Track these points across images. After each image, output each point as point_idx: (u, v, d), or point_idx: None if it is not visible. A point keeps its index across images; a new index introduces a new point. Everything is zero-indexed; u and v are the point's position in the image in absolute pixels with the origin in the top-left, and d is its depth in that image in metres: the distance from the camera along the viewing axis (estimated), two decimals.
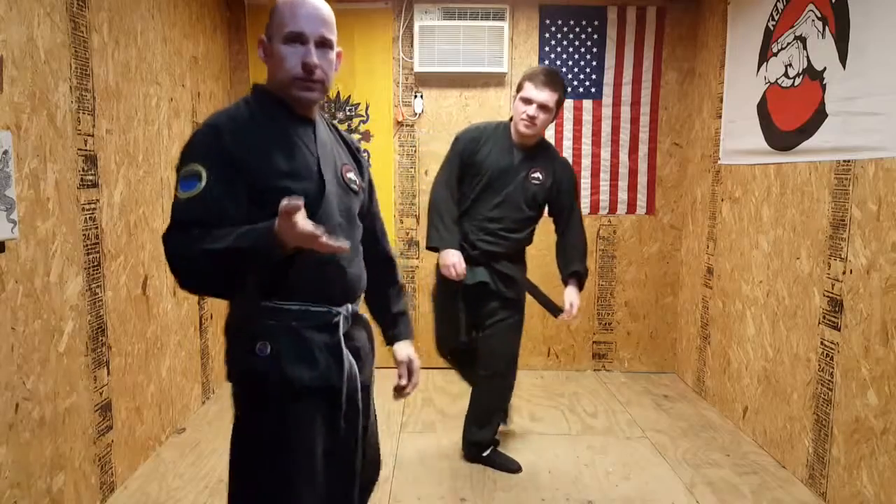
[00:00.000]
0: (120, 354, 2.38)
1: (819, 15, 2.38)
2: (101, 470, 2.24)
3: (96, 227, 2.20)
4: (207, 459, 2.62)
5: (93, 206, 2.18)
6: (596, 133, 3.65)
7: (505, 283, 2.44)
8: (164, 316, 2.76)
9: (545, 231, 2.66)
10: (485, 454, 2.57)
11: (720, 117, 3.22)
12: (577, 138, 3.67)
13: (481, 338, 2.52)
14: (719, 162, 3.23)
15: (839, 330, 2.26)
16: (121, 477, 2.39)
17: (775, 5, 2.69)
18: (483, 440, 2.56)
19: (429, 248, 2.46)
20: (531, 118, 2.30)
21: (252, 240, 1.11)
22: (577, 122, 3.66)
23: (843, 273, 2.24)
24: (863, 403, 2.13)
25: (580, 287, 2.48)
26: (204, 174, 1.17)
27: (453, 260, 2.34)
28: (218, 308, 3.44)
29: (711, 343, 3.32)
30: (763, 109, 2.78)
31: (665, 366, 3.82)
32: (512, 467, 2.54)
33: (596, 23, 3.59)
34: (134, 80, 2.47)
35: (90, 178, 2.16)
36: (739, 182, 3.02)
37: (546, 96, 2.28)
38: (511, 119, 2.43)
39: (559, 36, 3.61)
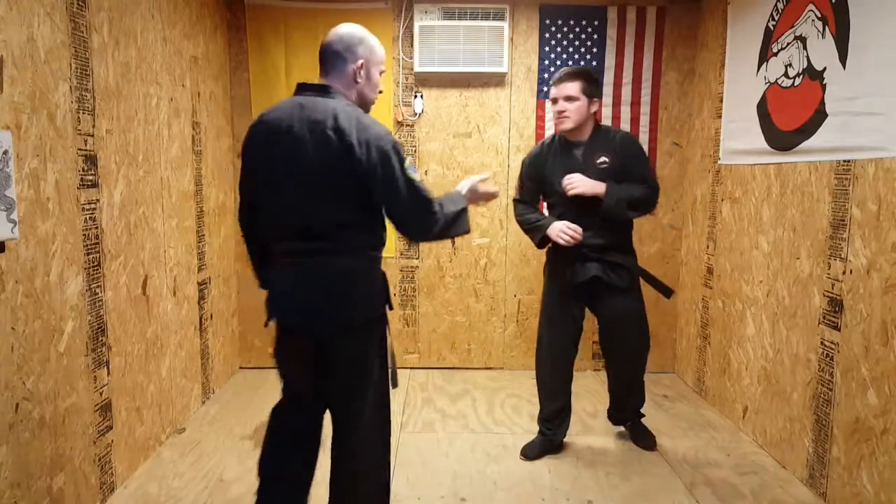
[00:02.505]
0: (120, 354, 2.38)
1: (819, 15, 2.38)
2: (101, 470, 2.24)
3: (96, 227, 2.20)
4: (207, 459, 2.63)
5: (93, 206, 2.18)
6: None
7: (617, 273, 2.51)
8: (164, 316, 2.76)
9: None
10: (627, 424, 2.84)
11: (720, 117, 3.22)
12: None
13: (606, 330, 2.65)
14: (719, 162, 3.23)
15: (839, 330, 2.26)
16: (121, 477, 2.39)
17: (775, 5, 2.69)
18: (622, 416, 2.84)
19: (540, 247, 2.61)
20: (560, 112, 2.45)
21: (463, 202, 1.81)
22: None
23: (843, 273, 2.24)
24: (863, 403, 2.13)
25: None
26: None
27: (560, 226, 2.45)
28: (217, 308, 3.44)
29: (711, 343, 3.32)
30: (763, 109, 2.78)
31: (665, 366, 3.82)
32: (645, 443, 2.75)
33: (596, 23, 3.59)
34: (134, 80, 2.47)
35: (90, 178, 2.16)
36: (739, 182, 3.02)
37: (566, 88, 2.43)
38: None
39: (559, 36, 3.61)
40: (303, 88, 1.72)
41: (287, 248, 1.69)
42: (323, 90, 1.70)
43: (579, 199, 2.43)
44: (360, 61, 1.72)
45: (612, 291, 2.53)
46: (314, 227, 1.64)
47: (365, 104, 1.78)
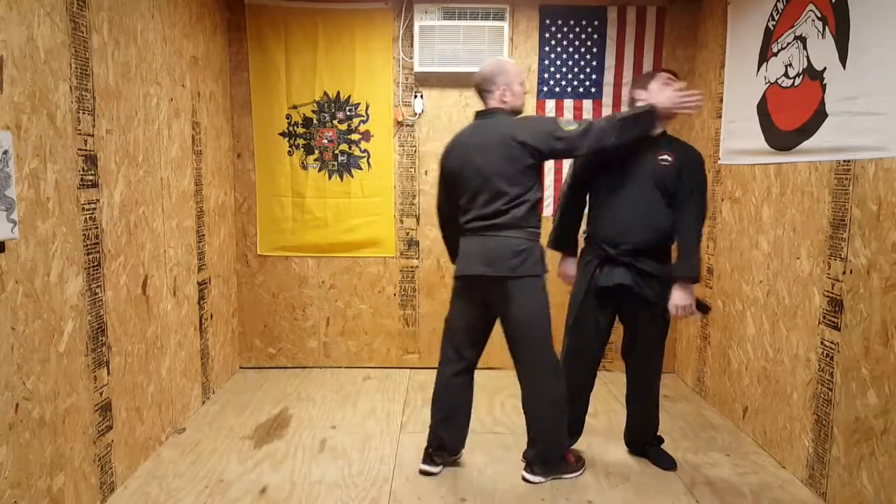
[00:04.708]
0: (120, 354, 2.38)
1: (819, 15, 2.38)
2: (101, 470, 2.24)
3: (96, 227, 2.20)
4: (207, 459, 2.63)
5: (93, 206, 2.18)
6: None
7: (648, 282, 2.37)
8: (164, 316, 2.76)
9: None
10: (648, 450, 2.67)
11: (720, 117, 3.22)
12: None
13: (627, 342, 2.54)
14: (719, 162, 3.23)
15: (839, 330, 2.26)
16: (121, 477, 2.39)
17: (775, 5, 2.69)
18: (641, 439, 2.68)
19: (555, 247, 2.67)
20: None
21: (647, 115, 2.31)
22: None
23: (843, 273, 2.24)
24: (863, 403, 2.13)
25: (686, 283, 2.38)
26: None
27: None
28: (217, 308, 3.44)
29: (711, 343, 3.32)
30: (763, 109, 2.78)
31: (665, 366, 3.79)
32: (665, 465, 2.58)
33: (596, 23, 3.59)
34: (134, 80, 2.47)
35: (90, 178, 2.16)
36: (739, 182, 3.02)
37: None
38: None
39: (559, 36, 3.61)
40: (477, 115, 2.44)
41: (475, 223, 2.35)
42: (489, 113, 2.40)
43: (625, 189, 2.37)
44: (502, 87, 2.36)
45: (639, 303, 2.40)
46: (493, 208, 2.30)
47: (517, 110, 2.42)
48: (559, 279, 2.68)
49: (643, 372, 2.57)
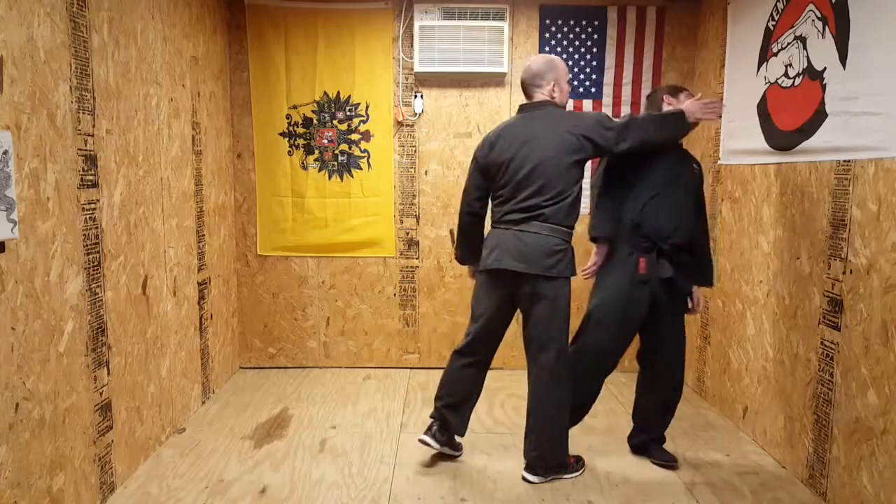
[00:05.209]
0: (120, 354, 2.38)
1: (819, 15, 2.38)
2: (101, 470, 2.24)
3: (96, 227, 2.20)
4: (207, 459, 2.63)
5: (93, 206, 2.18)
6: None
7: (687, 276, 2.48)
8: (164, 316, 2.76)
9: None
10: (650, 450, 2.67)
11: (720, 117, 3.21)
12: None
13: (660, 341, 2.53)
14: (719, 162, 3.23)
15: (839, 330, 2.26)
16: (121, 477, 2.39)
17: (775, 5, 2.69)
18: (646, 438, 2.68)
19: (595, 241, 2.53)
20: None
21: (678, 116, 2.36)
22: None
23: (843, 273, 2.24)
24: (863, 403, 2.13)
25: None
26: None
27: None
28: (217, 308, 3.44)
29: (711, 343, 3.32)
30: (763, 109, 2.78)
31: None
32: (666, 463, 2.60)
33: (596, 23, 3.59)
34: (134, 80, 2.47)
35: (90, 178, 2.16)
36: (739, 182, 3.02)
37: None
38: None
39: (559, 36, 3.61)
40: (524, 108, 2.44)
41: (513, 215, 2.34)
42: (538, 106, 2.41)
43: (674, 188, 2.43)
44: (552, 83, 2.40)
45: (677, 299, 2.47)
46: (536, 201, 2.30)
47: (563, 104, 2.46)
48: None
49: (671, 374, 2.56)
